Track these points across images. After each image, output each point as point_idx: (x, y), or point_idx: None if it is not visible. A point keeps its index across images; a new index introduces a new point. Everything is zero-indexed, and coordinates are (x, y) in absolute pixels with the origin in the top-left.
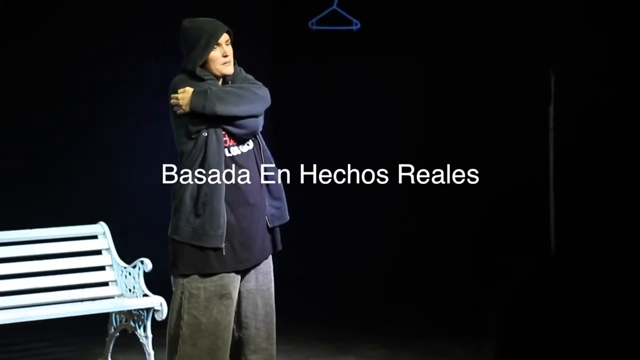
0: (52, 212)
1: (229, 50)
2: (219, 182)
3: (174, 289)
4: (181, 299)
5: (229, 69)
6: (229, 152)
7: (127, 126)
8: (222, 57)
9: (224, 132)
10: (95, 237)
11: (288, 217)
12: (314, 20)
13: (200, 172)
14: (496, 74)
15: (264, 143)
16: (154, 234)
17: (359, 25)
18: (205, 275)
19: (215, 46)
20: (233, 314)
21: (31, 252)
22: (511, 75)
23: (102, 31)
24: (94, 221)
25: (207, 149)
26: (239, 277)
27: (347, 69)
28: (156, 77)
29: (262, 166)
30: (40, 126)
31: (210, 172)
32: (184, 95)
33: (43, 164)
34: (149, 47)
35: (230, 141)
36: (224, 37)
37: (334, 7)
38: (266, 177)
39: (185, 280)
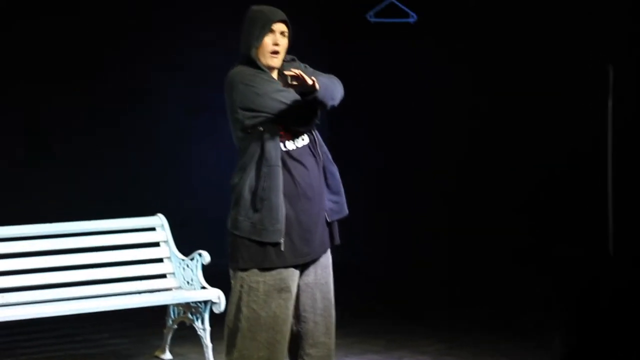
0: (111, 204)
1: (282, 41)
2: (277, 177)
3: (232, 282)
4: (240, 292)
5: (276, 62)
6: (284, 146)
7: (185, 119)
8: (272, 45)
9: (279, 127)
10: (153, 229)
11: (347, 212)
12: (372, 12)
13: (259, 166)
14: (554, 66)
15: (320, 138)
16: (212, 226)
17: (415, 18)
18: (264, 269)
19: (269, 33)
20: (292, 308)
21: (90, 243)
22: (570, 69)
23: (158, 22)
24: (152, 213)
25: (263, 144)
26: (297, 271)
27: (404, 60)
28: (215, 68)
29: (320, 161)
30: (99, 120)
31: (267, 165)
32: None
33: (102, 156)
34: (206, 39)
35: (285, 135)
36: (280, 26)
37: None
38: (323, 172)
39: (245, 273)
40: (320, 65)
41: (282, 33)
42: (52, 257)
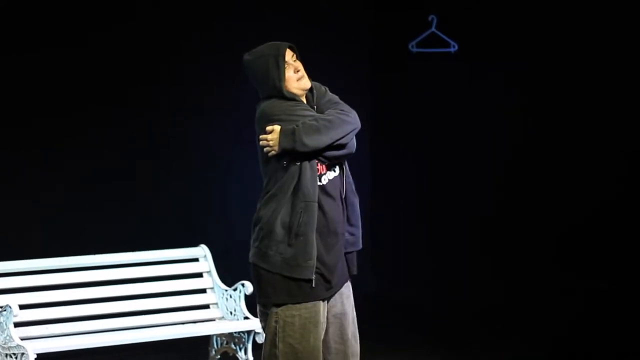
0: (154, 235)
1: (299, 65)
2: (313, 213)
3: (260, 317)
4: (275, 327)
5: (307, 83)
6: (320, 180)
7: (226, 148)
8: (294, 74)
9: (316, 161)
10: (196, 259)
11: (361, 246)
12: (413, 42)
13: (293, 201)
14: (602, 94)
15: (348, 169)
16: None
17: (456, 48)
18: (299, 302)
19: (285, 65)
20: (321, 340)
21: (133, 275)
22: (618, 92)
23: (201, 54)
24: (195, 244)
25: (300, 178)
26: (326, 303)
27: (446, 89)
28: (257, 100)
29: (343, 191)
30: (140, 148)
31: (304, 201)
32: (273, 136)
33: (144, 186)
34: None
35: (321, 169)
36: (289, 54)
37: (433, 29)
38: (345, 203)
39: (279, 308)
40: (362, 95)
41: (293, 58)
42: (95, 288)
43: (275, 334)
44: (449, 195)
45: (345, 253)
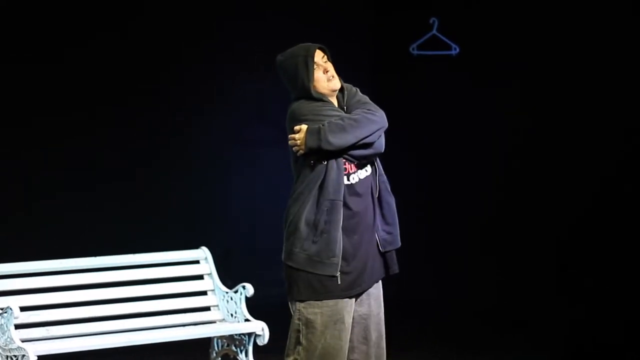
0: (154, 237)
1: (329, 66)
2: (338, 211)
3: (293, 314)
4: (299, 324)
5: (336, 84)
6: (348, 179)
7: (227, 151)
8: (324, 75)
9: (344, 160)
10: (197, 262)
11: (400, 244)
12: (414, 45)
13: (318, 199)
14: (601, 95)
15: (381, 168)
16: (255, 259)
17: (457, 50)
18: (321, 300)
19: (315, 66)
20: (346, 339)
21: (134, 276)
22: (617, 93)
23: (201, 54)
24: (195, 246)
25: (326, 176)
26: (352, 302)
27: (447, 92)
28: (257, 101)
29: (376, 191)
30: (140, 148)
31: (328, 199)
32: (300, 136)
33: (143, 188)
34: (248, 72)
35: (350, 168)
36: (319, 55)
37: (434, 32)
38: (379, 202)
39: (302, 305)
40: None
41: (323, 59)
42: (96, 290)
43: (299, 330)
44: (449, 195)
45: (385, 252)
